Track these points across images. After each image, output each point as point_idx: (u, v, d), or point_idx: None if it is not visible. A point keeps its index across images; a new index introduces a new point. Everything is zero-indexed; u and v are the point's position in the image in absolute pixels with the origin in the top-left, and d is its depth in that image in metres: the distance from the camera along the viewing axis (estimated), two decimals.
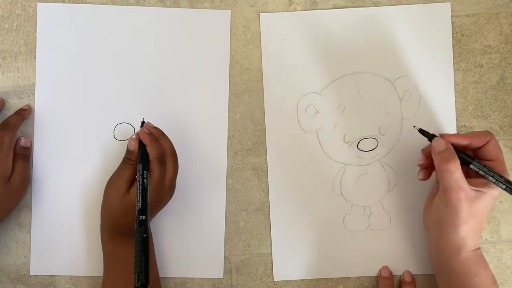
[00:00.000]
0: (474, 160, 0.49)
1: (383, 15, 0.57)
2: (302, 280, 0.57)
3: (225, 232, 0.57)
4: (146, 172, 0.48)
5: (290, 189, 0.57)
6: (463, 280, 0.50)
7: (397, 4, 0.57)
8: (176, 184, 0.53)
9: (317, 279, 0.57)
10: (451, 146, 0.49)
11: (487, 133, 0.50)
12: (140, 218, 0.42)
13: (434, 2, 0.57)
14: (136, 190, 0.47)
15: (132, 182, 0.50)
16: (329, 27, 0.57)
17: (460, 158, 0.50)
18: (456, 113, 0.58)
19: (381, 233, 0.57)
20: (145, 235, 0.41)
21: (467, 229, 0.49)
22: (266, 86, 0.57)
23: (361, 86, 0.57)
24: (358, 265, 0.57)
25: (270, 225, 0.57)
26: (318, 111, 0.57)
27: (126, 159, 0.51)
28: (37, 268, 0.56)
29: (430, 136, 0.51)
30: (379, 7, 0.57)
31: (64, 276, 0.56)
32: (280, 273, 0.57)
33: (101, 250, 0.53)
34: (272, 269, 0.57)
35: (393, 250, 0.57)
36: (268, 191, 0.57)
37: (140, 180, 0.47)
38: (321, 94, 0.57)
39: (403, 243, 0.56)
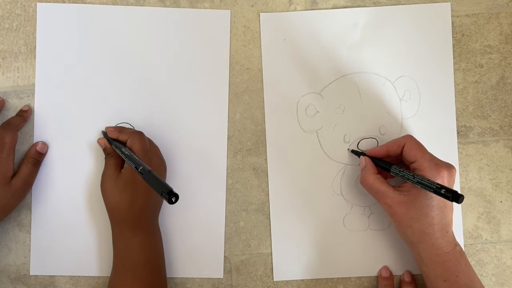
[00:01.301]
0: (392, 166, 0.51)
1: (383, 15, 0.57)
2: (302, 280, 0.57)
3: (225, 232, 0.57)
4: (125, 148, 0.50)
5: (290, 189, 0.57)
6: (433, 284, 0.50)
7: (397, 4, 0.57)
8: (176, 185, 0.55)
9: (317, 279, 0.57)
10: (370, 162, 0.53)
11: (402, 138, 0.51)
12: (140, 169, 0.44)
13: (434, 2, 0.57)
14: (126, 167, 0.51)
15: (120, 167, 0.53)
16: (329, 27, 0.57)
17: (381, 167, 0.52)
18: (456, 113, 0.58)
19: (381, 233, 0.57)
20: (146, 170, 0.44)
21: (417, 233, 0.49)
22: (266, 86, 0.57)
23: (361, 86, 0.57)
24: (358, 265, 0.57)
25: (270, 225, 0.57)
26: (318, 111, 0.57)
27: (106, 155, 0.54)
28: (37, 268, 0.56)
29: (359, 154, 0.55)
30: (379, 7, 0.57)
31: (64, 276, 0.56)
32: (280, 273, 0.57)
33: (101, 250, 0.55)
34: (272, 269, 0.57)
35: (393, 250, 0.57)
36: (268, 191, 0.57)
37: (122, 152, 0.49)
38: (321, 94, 0.57)
39: (403, 243, 0.56)
